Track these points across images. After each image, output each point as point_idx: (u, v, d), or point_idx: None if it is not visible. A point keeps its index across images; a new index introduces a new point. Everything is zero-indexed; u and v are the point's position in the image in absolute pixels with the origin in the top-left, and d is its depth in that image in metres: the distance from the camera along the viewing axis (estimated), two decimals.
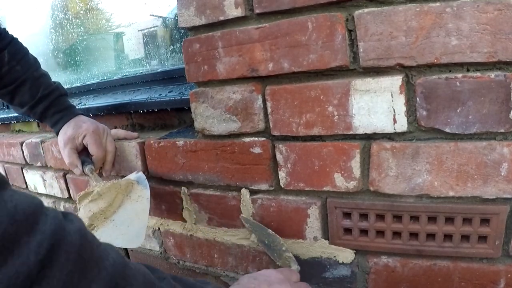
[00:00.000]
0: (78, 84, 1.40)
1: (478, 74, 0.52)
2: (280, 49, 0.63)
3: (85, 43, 1.52)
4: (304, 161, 0.67)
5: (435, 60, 0.53)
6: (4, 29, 0.90)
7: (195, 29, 0.72)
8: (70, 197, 1.20)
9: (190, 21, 0.71)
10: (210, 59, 0.71)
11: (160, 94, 1.00)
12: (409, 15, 0.53)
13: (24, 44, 0.93)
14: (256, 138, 0.72)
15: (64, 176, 1.17)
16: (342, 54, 0.59)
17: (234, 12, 0.66)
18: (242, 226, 0.79)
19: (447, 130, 0.55)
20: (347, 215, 0.66)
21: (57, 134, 0.92)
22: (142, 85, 1.13)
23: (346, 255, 0.69)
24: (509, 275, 0.58)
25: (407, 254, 0.64)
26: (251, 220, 0.74)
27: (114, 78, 1.25)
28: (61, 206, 1.28)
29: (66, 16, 1.56)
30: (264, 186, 0.73)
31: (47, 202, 1.36)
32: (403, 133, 0.59)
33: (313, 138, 0.66)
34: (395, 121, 0.58)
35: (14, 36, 0.91)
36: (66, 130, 0.90)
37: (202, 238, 0.87)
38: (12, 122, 1.52)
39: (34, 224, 0.29)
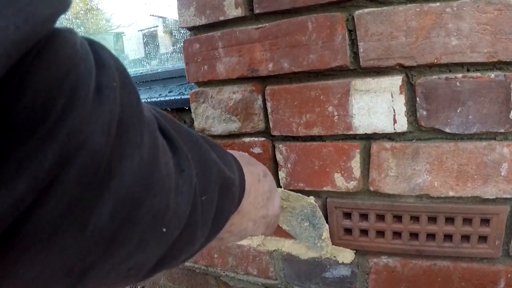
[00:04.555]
0: None
1: (478, 74, 0.52)
2: (280, 49, 0.63)
3: None
4: (304, 161, 0.67)
5: (435, 60, 0.53)
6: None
7: (195, 29, 0.72)
8: None
9: (190, 21, 0.71)
10: (210, 59, 0.71)
11: (160, 94, 1.00)
12: (409, 15, 0.53)
13: None
14: (256, 138, 0.71)
15: None
16: (342, 54, 0.59)
17: (234, 12, 0.66)
18: None
19: (447, 130, 0.55)
20: (347, 215, 0.66)
21: None
22: (142, 85, 1.13)
23: (346, 255, 0.69)
24: (509, 275, 0.58)
25: (407, 254, 0.64)
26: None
27: None
28: None
29: (66, 16, 1.56)
30: None
31: None
32: (403, 133, 0.59)
33: (313, 138, 0.66)
34: (395, 121, 0.58)
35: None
36: None
37: None
38: None
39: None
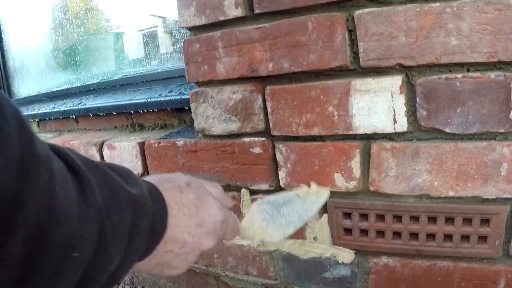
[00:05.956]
0: (78, 84, 1.40)
1: (478, 74, 0.52)
2: (280, 49, 0.63)
3: (85, 43, 1.52)
4: (304, 161, 0.67)
5: (435, 60, 0.53)
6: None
7: (195, 29, 0.72)
8: None
9: (190, 21, 0.71)
10: (210, 59, 0.71)
11: (160, 94, 1.00)
12: (409, 15, 0.53)
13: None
14: (256, 138, 0.71)
15: None
16: (342, 54, 0.59)
17: (234, 12, 0.66)
18: None
19: (447, 130, 0.55)
20: (347, 215, 0.66)
21: None
22: (142, 85, 1.13)
23: (346, 255, 0.69)
24: (509, 275, 0.58)
25: (407, 254, 0.64)
26: None
27: (114, 78, 1.25)
28: None
29: (66, 16, 1.56)
30: (264, 186, 0.73)
31: None
32: (403, 133, 0.59)
33: (313, 138, 0.66)
34: (395, 121, 0.58)
35: None
36: None
37: None
38: None
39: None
